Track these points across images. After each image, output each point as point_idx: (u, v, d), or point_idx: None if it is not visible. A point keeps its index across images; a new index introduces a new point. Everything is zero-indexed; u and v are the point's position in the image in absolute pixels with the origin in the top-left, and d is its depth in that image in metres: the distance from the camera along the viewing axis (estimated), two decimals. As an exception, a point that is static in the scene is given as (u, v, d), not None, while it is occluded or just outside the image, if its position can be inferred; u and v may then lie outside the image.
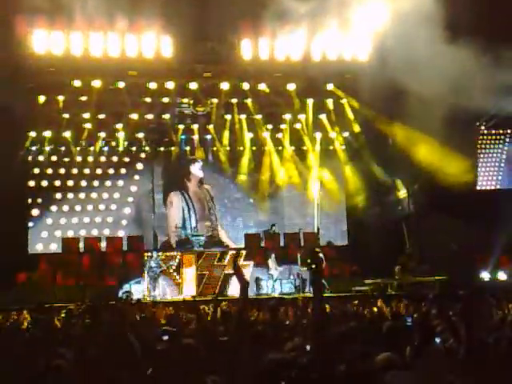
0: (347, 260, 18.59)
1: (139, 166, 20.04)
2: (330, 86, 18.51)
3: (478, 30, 13.23)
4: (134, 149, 19.83)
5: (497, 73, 13.50)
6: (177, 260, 17.87)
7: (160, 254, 17.80)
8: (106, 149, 19.64)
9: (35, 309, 9.31)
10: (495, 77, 13.50)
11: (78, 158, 19.30)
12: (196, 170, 20.36)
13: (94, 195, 19.53)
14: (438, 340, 3.65)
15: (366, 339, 4.57)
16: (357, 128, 19.44)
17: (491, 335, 3.92)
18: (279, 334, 5.26)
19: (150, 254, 17.71)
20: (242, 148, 20.38)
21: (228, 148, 20.29)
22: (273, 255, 17.98)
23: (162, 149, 20.18)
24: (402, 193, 19.67)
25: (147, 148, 19.88)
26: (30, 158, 18.77)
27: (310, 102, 19.09)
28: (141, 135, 19.35)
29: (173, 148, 20.05)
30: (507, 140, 19.58)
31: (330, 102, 19.11)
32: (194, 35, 16.56)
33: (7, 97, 14.54)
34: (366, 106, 18.14)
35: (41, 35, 16.21)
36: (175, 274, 17.77)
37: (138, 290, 17.23)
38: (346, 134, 20.11)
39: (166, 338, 5.16)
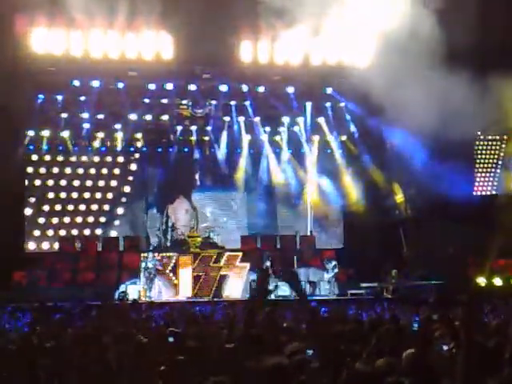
0: (343, 263, 18.62)
1: (133, 166, 19.97)
2: (329, 90, 18.57)
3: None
4: (131, 149, 19.81)
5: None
6: (173, 261, 17.88)
7: (156, 254, 17.81)
8: (103, 149, 19.62)
9: (35, 309, 9.29)
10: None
11: (73, 159, 19.24)
12: (199, 176, 20.30)
13: (87, 195, 19.42)
14: (445, 347, 3.67)
15: (365, 342, 4.60)
16: (355, 132, 19.52)
17: (491, 340, 3.97)
18: (278, 338, 5.26)
19: (146, 254, 17.73)
20: (239, 150, 20.41)
21: (226, 150, 20.30)
22: (270, 257, 18.00)
23: (159, 150, 20.18)
24: (400, 197, 19.73)
25: (144, 149, 19.86)
26: (27, 156, 18.73)
27: (308, 105, 19.15)
28: (139, 135, 19.35)
29: (171, 149, 20.03)
30: (503, 145, 19.71)
31: (328, 106, 19.18)
32: (193, 37, 16.57)
33: (6, 95, 14.52)
34: (364, 110, 18.21)
35: (41, 34, 16.20)
36: (171, 274, 17.79)
37: (133, 290, 17.23)
38: (344, 138, 20.17)
39: (171, 339, 5.15)
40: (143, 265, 17.35)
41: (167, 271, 17.79)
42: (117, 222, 19.62)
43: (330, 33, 16.26)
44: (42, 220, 18.89)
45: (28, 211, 18.73)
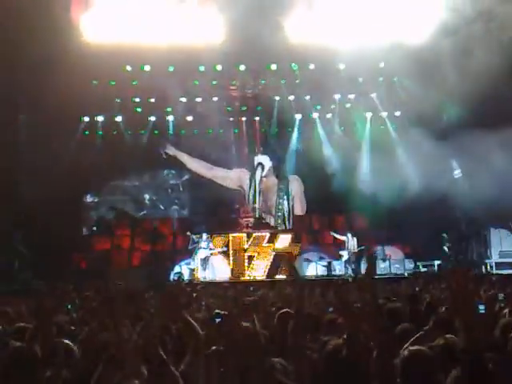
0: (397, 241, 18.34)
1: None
2: (381, 65, 17.97)
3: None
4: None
5: None
6: (226, 241, 18.00)
7: (209, 235, 18.01)
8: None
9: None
10: None
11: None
12: None
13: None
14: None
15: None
16: (408, 107, 18.86)
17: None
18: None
19: (199, 235, 17.97)
20: (290, 129, 20.22)
21: (276, 129, 20.16)
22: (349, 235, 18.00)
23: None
24: (457, 172, 19.01)
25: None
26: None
27: (360, 80, 18.64)
28: (189, 119, 19.51)
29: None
30: None
31: (381, 81, 18.61)
32: (242, 17, 16.38)
33: (61, 82, 14.88)
34: (417, 85, 17.55)
35: (93, 20, 16.47)
36: (224, 255, 17.94)
37: (188, 271, 17.56)
38: (398, 114, 19.58)
39: (218, 320, 5.17)
40: (197, 245, 17.60)
41: (220, 251, 17.94)
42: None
43: (383, 7, 15.73)
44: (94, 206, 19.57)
45: (84, 197, 19.48)
